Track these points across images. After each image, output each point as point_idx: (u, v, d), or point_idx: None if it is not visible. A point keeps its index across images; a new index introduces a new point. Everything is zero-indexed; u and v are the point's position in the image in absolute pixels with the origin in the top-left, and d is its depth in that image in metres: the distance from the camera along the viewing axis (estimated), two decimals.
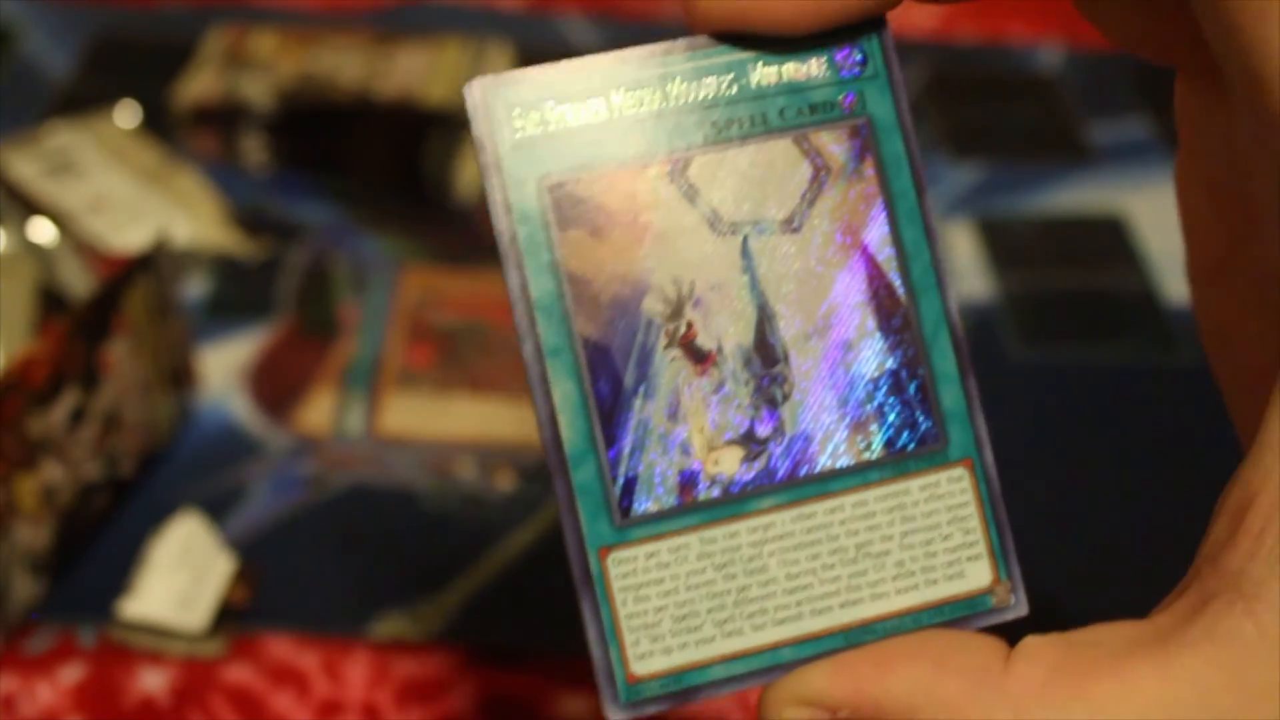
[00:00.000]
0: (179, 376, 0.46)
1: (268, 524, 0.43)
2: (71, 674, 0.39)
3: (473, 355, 0.49)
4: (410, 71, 0.57)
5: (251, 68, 0.57)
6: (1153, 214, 0.57)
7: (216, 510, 0.43)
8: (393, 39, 0.59)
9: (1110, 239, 0.55)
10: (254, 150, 0.56)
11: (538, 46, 0.64)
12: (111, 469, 0.42)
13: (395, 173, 0.56)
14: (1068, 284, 0.53)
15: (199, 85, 0.57)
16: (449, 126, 0.55)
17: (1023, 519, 0.44)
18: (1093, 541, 0.44)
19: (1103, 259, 0.55)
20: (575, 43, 0.65)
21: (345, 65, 0.57)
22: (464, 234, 0.54)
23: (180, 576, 0.40)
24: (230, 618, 0.40)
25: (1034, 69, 0.63)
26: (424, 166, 0.55)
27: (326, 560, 0.42)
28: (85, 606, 0.41)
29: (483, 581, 0.42)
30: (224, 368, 0.48)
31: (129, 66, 0.61)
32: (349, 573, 0.42)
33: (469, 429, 0.47)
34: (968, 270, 0.54)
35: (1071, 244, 0.55)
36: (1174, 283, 0.53)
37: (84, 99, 0.59)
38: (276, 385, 0.48)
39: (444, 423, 0.47)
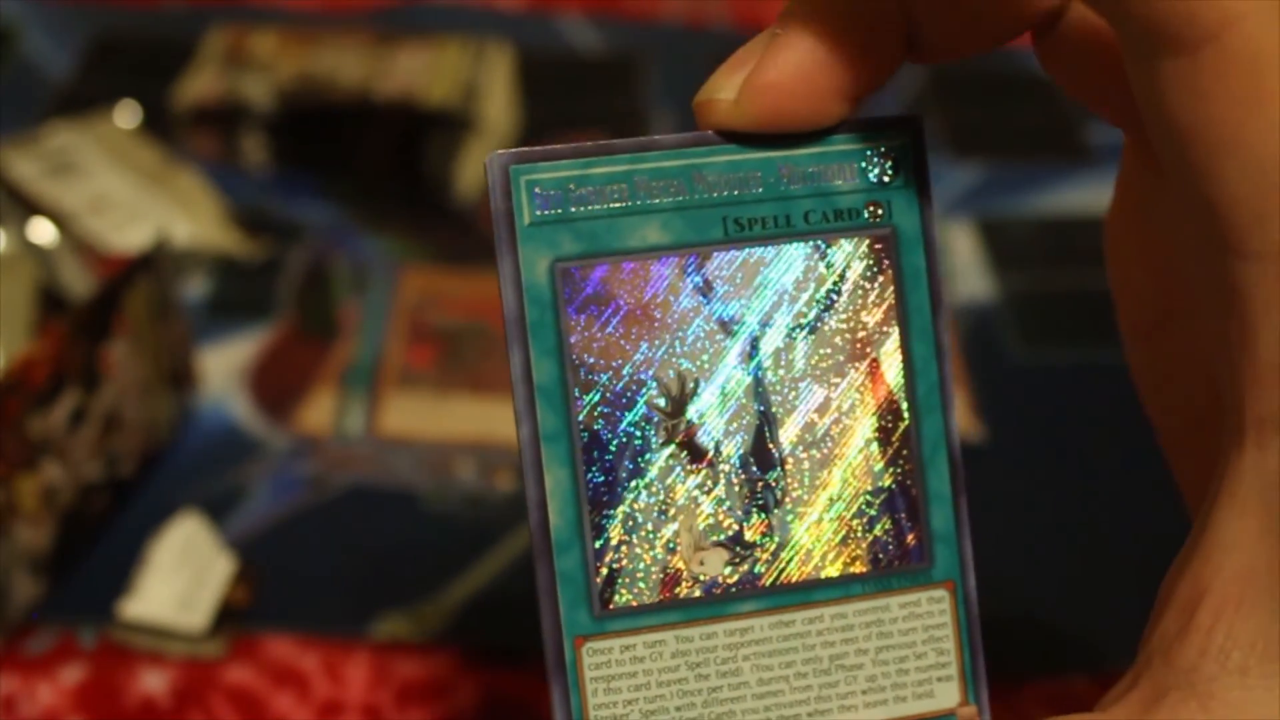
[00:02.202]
0: (179, 376, 0.46)
1: (268, 524, 0.43)
2: (72, 674, 0.39)
3: (473, 355, 0.49)
4: (410, 71, 0.57)
5: (251, 68, 0.57)
6: None
7: (216, 510, 0.43)
8: (393, 39, 0.59)
9: None
10: (254, 150, 0.56)
11: (538, 46, 0.64)
12: (111, 469, 0.42)
13: (395, 173, 0.56)
14: (1068, 284, 0.53)
15: (199, 85, 0.57)
16: (449, 126, 0.55)
17: (1021, 520, 0.44)
18: (1092, 542, 0.44)
19: (1103, 259, 0.55)
20: (576, 43, 0.65)
21: (345, 65, 0.57)
22: (464, 234, 0.54)
23: (180, 577, 0.40)
24: (230, 618, 0.40)
25: (1034, 69, 0.63)
26: (424, 166, 0.55)
27: (326, 560, 0.42)
28: (85, 607, 0.41)
29: (483, 581, 0.42)
30: (224, 368, 0.48)
31: (129, 66, 0.61)
32: (349, 573, 0.42)
33: (469, 429, 0.47)
34: (968, 270, 0.54)
35: (1071, 244, 0.55)
36: None
37: (84, 99, 0.59)
38: (276, 385, 0.48)
39: (444, 423, 0.47)
